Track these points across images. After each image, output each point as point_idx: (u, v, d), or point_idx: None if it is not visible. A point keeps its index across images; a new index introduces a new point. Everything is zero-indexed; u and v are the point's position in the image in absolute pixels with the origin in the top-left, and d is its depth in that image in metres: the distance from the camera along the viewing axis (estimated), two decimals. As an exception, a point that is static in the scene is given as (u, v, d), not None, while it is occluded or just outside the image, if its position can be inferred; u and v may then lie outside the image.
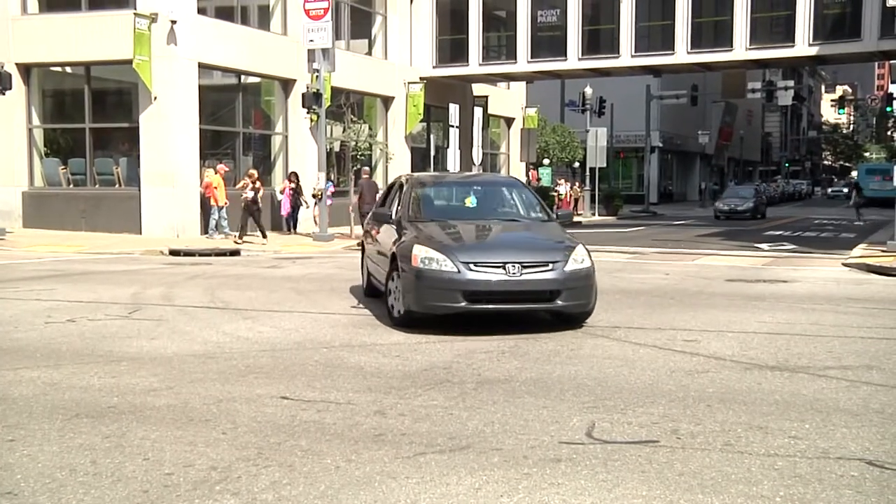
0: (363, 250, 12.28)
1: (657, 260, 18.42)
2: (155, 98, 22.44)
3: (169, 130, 22.67)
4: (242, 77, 25.93)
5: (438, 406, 6.13)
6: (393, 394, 6.48)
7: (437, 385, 6.78)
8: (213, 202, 22.41)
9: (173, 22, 22.39)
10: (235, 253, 19.23)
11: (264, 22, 27.06)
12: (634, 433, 5.50)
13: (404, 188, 11.11)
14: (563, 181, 40.46)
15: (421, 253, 9.03)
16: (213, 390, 6.59)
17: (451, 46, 33.63)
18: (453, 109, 29.22)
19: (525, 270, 8.85)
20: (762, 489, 4.49)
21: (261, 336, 8.99)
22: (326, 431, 5.52)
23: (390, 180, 31.61)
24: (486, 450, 5.13)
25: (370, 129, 30.62)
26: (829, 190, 79.09)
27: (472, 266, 8.81)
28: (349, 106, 27.97)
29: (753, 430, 5.53)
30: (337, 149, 28.11)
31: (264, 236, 21.80)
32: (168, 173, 22.75)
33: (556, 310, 9.27)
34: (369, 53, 31.81)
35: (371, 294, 11.55)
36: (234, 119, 25.76)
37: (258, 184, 22.16)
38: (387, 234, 10.45)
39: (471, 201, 10.91)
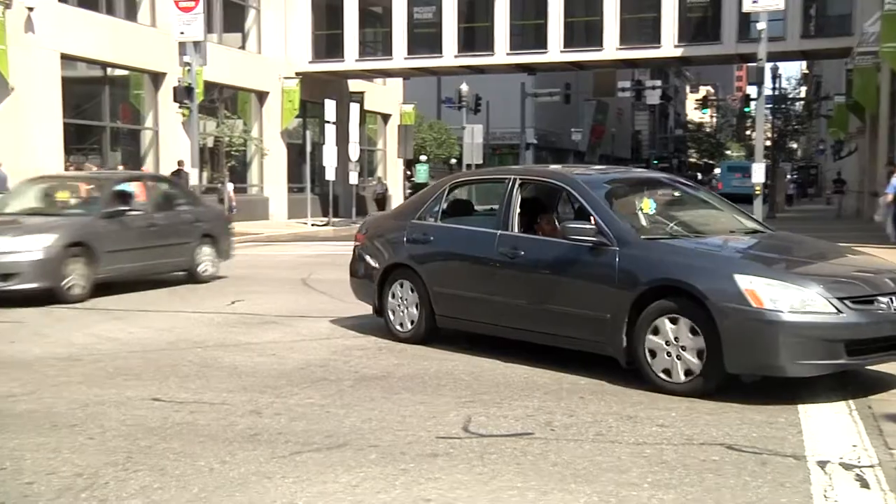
0: (387, 277, 8.53)
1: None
2: (12, 89, 21.34)
3: (28, 124, 21.61)
4: (109, 69, 24.98)
5: (315, 404, 6.07)
6: (268, 393, 6.38)
7: (314, 383, 6.72)
8: None
9: (30, 9, 21.37)
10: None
11: (132, 12, 26.16)
12: (510, 426, 5.59)
13: (553, 194, 8.15)
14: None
15: (765, 289, 6.06)
16: (79, 394, 6.34)
17: (327, 41, 33.39)
18: (329, 105, 28.98)
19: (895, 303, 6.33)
20: (631, 476, 4.64)
21: (131, 337, 8.70)
22: (200, 433, 5.39)
23: (267, 176, 31.90)
24: (364, 447, 5.12)
25: (245, 124, 30.09)
26: None
27: (848, 303, 6.11)
28: (223, 101, 27.45)
29: (624, 420, 5.70)
30: (211, 144, 27.51)
31: None
32: (28, 169, 21.65)
33: None
34: (243, 47, 31.22)
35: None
36: (100, 113, 24.82)
37: None
38: (568, 258, 7.09)
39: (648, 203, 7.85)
